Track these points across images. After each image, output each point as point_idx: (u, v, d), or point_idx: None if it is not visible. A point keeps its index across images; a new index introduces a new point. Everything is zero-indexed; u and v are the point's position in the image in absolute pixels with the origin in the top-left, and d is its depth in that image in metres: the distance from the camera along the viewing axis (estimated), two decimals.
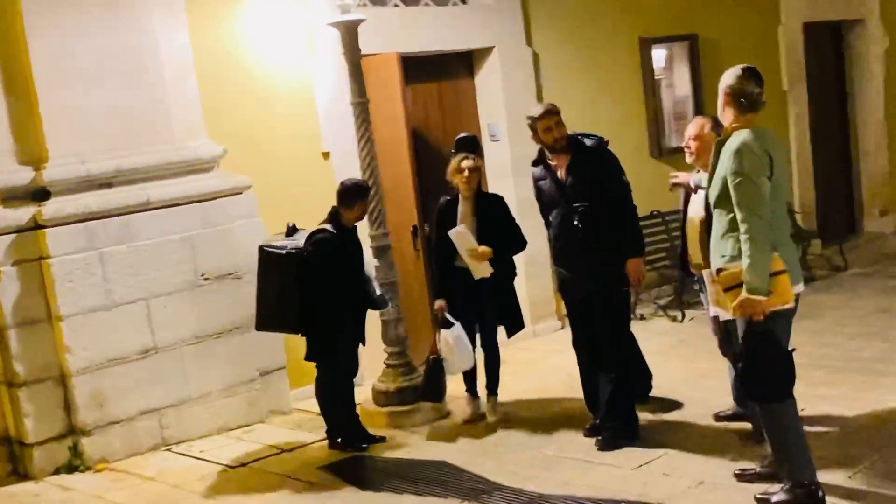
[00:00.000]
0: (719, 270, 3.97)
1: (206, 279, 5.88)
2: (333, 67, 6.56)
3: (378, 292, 5.55)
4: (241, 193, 6.11)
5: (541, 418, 5.67)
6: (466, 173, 5.63)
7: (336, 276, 5.26)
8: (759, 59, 9.93)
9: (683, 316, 7.79)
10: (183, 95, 5.93)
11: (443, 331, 5.58)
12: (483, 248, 5.58)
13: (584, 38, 8.18)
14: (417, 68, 7.12)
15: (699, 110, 8.92)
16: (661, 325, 7.77)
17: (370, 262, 5.69)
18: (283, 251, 5.29)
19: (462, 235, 5.57)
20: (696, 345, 6.77)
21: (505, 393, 5.92)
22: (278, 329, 5.51)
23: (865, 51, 10.79)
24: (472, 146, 6.07)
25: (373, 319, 5.99)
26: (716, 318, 4.51)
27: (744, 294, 3.84)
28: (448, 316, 5.58)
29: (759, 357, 3.93)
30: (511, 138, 7.64)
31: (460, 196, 5.71)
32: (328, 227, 5.34)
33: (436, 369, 5.61)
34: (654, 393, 5.75)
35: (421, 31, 7.12)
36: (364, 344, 5.58)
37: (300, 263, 5.26)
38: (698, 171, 5.13)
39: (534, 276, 7.63)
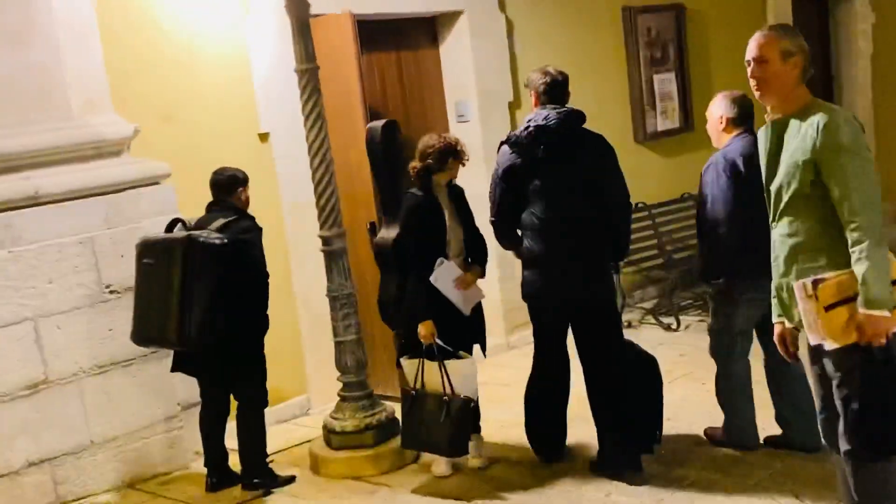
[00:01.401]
0: (816, 282, 2.93)
1: (111, 292, 4.66)
2: (274, 28, 5.37)
3: None
4: (156, 183, 4.90)
5: (533, 457, 4.63)
6: (465, 160, 4.54)
7: (264, 275, 4.47)
8: (747, 33, 9.05)
9: (678, 323, 6.79)
10: (83, 61, 4.71)
11: (451, 363, 4.35)
12: (471, 274, 4.51)
13: (562, 4, 7.10)
14: (372, 34, 5.97)
15: (684, 88, 7.94)
16: (653, 334, 6.76)
17: None
18: (222, 242, 4.21)
19: (449, 270, 4.41)
20: (701, 360, 5.68)
21: (484, 426, 4.84)
22: (196, 347, 4.28)
23: (853, 27, 9.94)
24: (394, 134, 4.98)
25: (316, 336, 4.86)
26: (817, 349, 3.12)
27: (864, 310, 2.84)
28: (440, 343, 4.38)
29: (886, 396, 2.94)
30: (483, 119, 6.55)
31: (436, 189, 4.51)
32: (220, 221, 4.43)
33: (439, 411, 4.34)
34: (666, 431, 4.71)
35: None
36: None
37: (227, 259, 4.25)
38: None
39: (507, 279, 6.55)
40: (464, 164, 4.56)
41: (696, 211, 4.45)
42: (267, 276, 4.49)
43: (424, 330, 4.35)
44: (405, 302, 4.50)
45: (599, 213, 4.29)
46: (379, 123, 5.08)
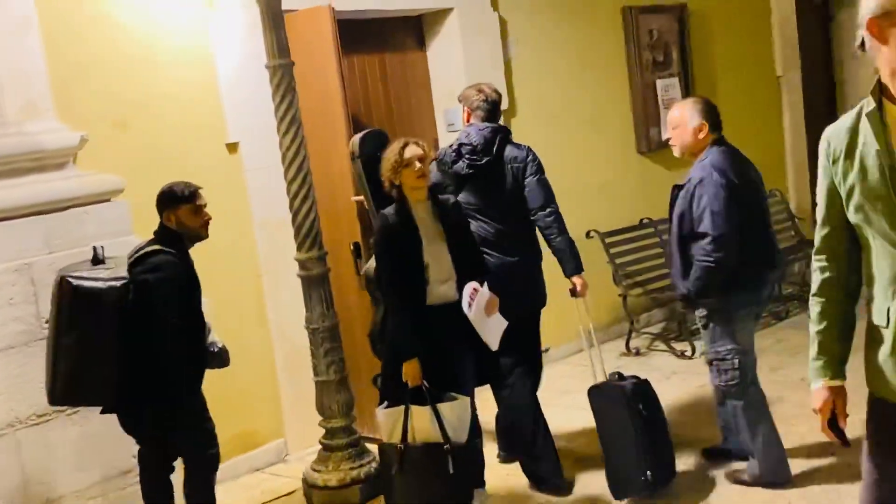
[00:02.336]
0: None
1: None
2: (242, 22, 4.75)
3: (219, 344, 3.74)
4: (107, 200, 4.25)
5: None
6: (417, 164, 3.84)
7: (180, 318, 3.50)
8: (751, 36, 8.61)
9: (693, 350, 6.19)
10: (19, 60, 4.04)
11: (444, 406, 3.73)
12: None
13: (559, 2, 6.51)
14: (353, 35, 5.37)
15: (688, 93, 7.38)
16: (664, 362, 6.17)
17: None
18: (103, 285, 3.43)
19: (483, 298, 3.87)
20: None
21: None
22: (86, 403, 3.65)
23: (855, 31, 9.45)
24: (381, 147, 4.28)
25: (294, 371, 4.21)
26: None
27: None
28: (426, 384, 3.73)
29: None
30: None
31: (410, 204, 3.92)
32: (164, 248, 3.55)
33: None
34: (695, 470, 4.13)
35: None
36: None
37: (126, 303, 3.43)
38: None
39: None
40: (421, 174, 3.85)
41: (678, 229, 3.91)
42: (177, 324, 3.48)
43: (410, 370, 3.73)
44: (387, 337, 3.87)
45: (530, 225, 4.30)
46: (358, 136, 4.42)
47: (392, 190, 3.87)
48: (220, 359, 3.67)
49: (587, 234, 6.49)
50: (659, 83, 7.18)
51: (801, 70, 8.70)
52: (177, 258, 3.52)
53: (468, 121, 4.36)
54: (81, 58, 4.35)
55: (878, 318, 2.19)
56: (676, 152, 4.05)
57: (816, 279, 2.36)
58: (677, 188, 3.96)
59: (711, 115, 3.95)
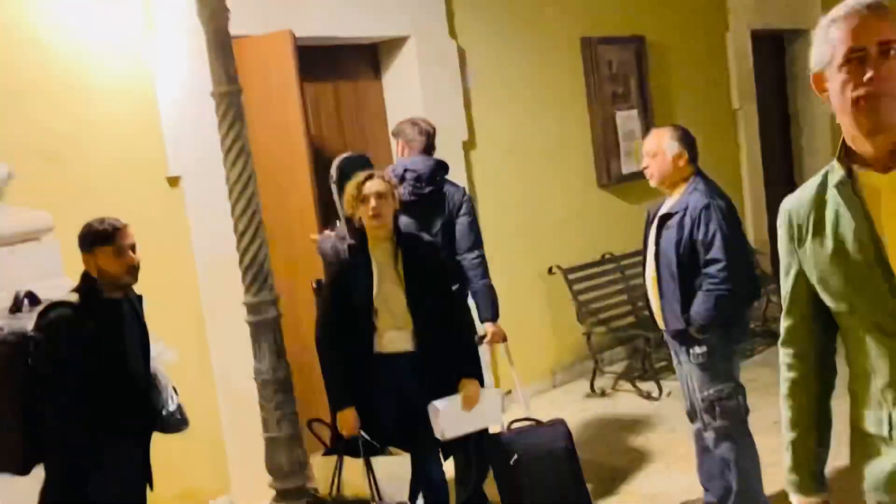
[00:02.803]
0: None
1: None
2: (185, 46, 4.41)
3: (173, 404, 3.33)
4: (36, 240, 3.86)
5: None
6: (373, 202, 3.57)
7: (75, 379, 2.99)
8: (707, 68, 8.49)
9: (661, 391, 5.93)
10: None
11: (379, 461, 3.48)
12: (467, 385, 3.71)
13: (519, 32, 6.29)
14: (305, 62, 5.06)
15: (647, 126, 7.20)
16: (631, 403, 5.90)
17: (159, 355, 3.41)
18: (15, 339, 3.02)
19: (450, 407, 3.66)
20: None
21: None
22: None
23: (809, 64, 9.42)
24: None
25: (240, 423, 3.85)
26: None
27: None
28: (365, 436, 3.50)
29: None
30: None
31: (369, 239, 3.66)
32: (73, 297, 3.11)
33: None
34: None
35: (307, 11, 5.03)
36: (151, 486, 3.30)
37: (27, 358, 3.01)
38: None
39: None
40: (376, 214, 3.57)
41: (677, 257, 3.66)
42: (56, 388, 2.99)
43: (343, 420, 3.54)
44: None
45: (457, 263, 4.23)
46: (338, 159, 4.19)
47: (355, 227, 3.61)
48: (166, 422, 3.27)
49: (549, 270, 6.25)
50: (618, 115, 6.99)
51: (756, 102, 8.63)
52: (79, 313, 3.02)
53: (402, 154, 4.41)
54: (8, 85, 3.98)
55: (874, 427, 1.85)
56: (654, 182, 3.83)
57: (785, 378, 2.02)
58: (665, 217, 3.71)
59: (690, 144, 3.76)
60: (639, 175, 7.01)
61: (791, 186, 9.36)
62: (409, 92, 5.66)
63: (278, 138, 4.44)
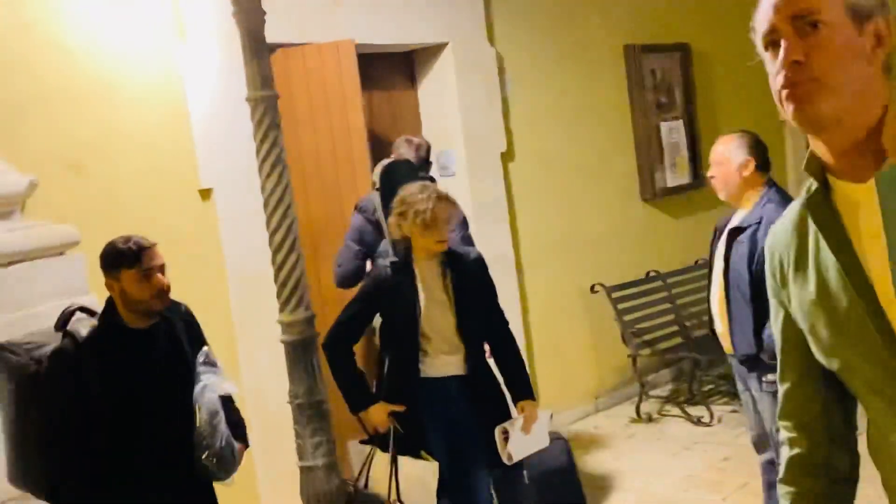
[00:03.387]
0: None
1: None
2: (217, 52, 4.22)
3: (220, 442, 2.80)
4: (60, 254, 3.66)
5: None
6: (442, 229, 3.37)
7: (72, 425, 2.67)
8: (753, 78, 8.17)
9: (712, 416, 5.62)
10: None
11: (407, 462, 3.34)
12: (527, 405, 3.53)
13: (559, 39, 6.06)
14: None
15: (693, 137, 6.95)
16: (679, 429, 5.60)
17: (211, 385, 2.84)
18: (14, 360, 2.73)
19: (515, 428, 3.50)
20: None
21: None
22: (27, 489, 2.85)
23: None
24: (403, 178, 3.83)
25: (275, 451, 3.61)
26: None
27: None
28: (398, 427, 3.36)
29: None
30: (471, 171, 5.44)
31: (415, 259, 3.44)
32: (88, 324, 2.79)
33: None
34: None
35: (339, 19, 4.83)
36: None
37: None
38: None
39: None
40: (442, 240, 3.39)
41: (749, 276, 3.38)
42: (59, 427, 2.70)
43: (371, 416, 3.45)
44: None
45: None
46: (381, 164, 4.03)
47: (399, 238, 3.38)
48: (207, 468, 2.81)
49: (592, 289, 5.97)
50: (663, 126, 6.73)
51: None
52: (85, 349, 2.69)
53: None
54: (30, 90, 3.79)
55: None
56: (720, 193, 3.57)
57: (783, 456, 1.56)
58: (736, 231, 3.45)
59: (760, 151, 3.48)
60: (684, 188, 6.81)
61: None
62: (445, 101, 5.45)
63: (329, 146, 4.33)
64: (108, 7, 4.02)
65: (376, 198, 4.04)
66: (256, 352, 4.28)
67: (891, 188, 1.26)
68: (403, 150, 4.43)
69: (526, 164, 5.79)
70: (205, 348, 2.94)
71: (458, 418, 3.47)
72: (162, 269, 2.85)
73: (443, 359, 3.43)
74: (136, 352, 2.79)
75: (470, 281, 3.46)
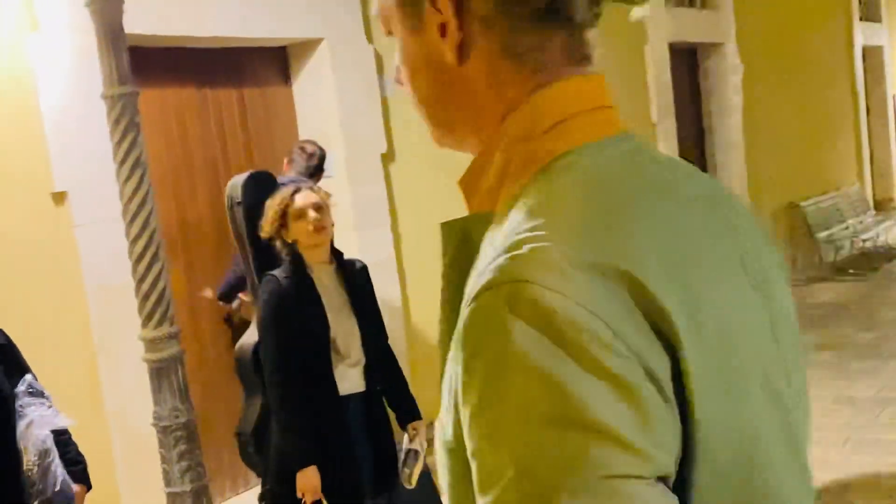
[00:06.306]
0: None
1: None
2: (72, 47, 3.89)
3: (53, 487, 2.50)
4: None
5: None
6: (312, 213, 3.12)
7: None
8: (626, 82, 8.31)
9: None
10: None
11: None
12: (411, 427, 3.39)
13: None
14: (206, 66, 4.63)
15: None
16: None
17: (39, 420, 2.51)
18: None
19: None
20: None
21: None
22: None
23: (724, 79, 9.38)
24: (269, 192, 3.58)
25: (141, 477, 3.34)
26: None
27: None
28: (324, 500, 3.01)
29: None
30: (351, 174, 5.24)
31: (307, 263, 3.20)
32: None
33: None
34: None
35: (208, 10, 4.56)
36: None
37: None
38: None
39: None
40: (321, 227, 3.15)
41: None
42: None
43: (305, 482, 3.00)
44: (273, 439, 3.11)
45: None
46: (241, 177, 3.70)
47: (283, 249, 3.14)
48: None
49: None
50: None
51: (675, 118, 8.50)
52: None
53: (284, 171, 4.44)
54: None
55: None
56: None
57: None
58: None
59: None
60: None
61: None
62: (323, 100, 5.24)
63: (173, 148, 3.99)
64: None
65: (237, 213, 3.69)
66: (120, 370, 3.97)
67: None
68: (294, 152, 4.47)
69: (408, 166, 5.64)
70: (27, 376, 2.59)
71: (358, 443, 3.22)
72: None
73: (351, 373, 3.20)
74: None
75: (363, 287, 3.28)
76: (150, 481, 3.48)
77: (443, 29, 0.88)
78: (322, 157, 4.55)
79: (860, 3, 12.40)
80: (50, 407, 2.55)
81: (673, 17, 8.38)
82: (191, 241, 4.28)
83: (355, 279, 3.26)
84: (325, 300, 3.15)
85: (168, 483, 3.25)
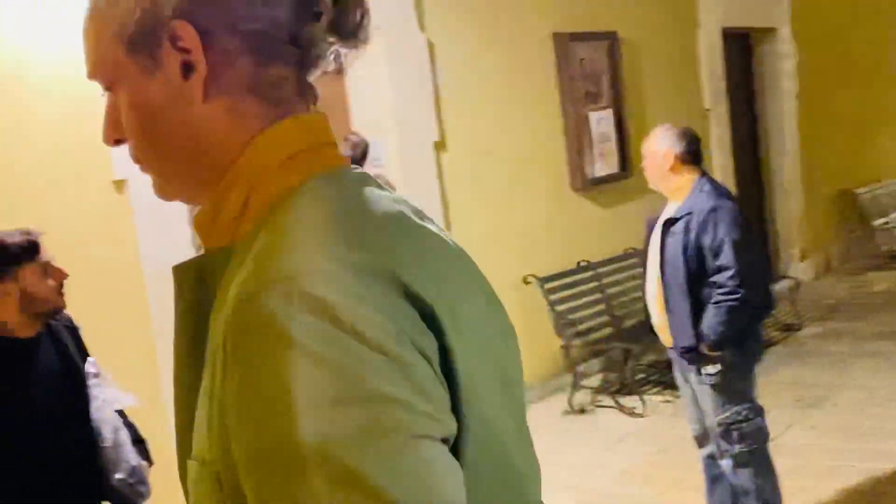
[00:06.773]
0: None
1: None
2: None
3: (131, 461, 2.56)
4: None
5: None
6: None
7: None
8: (679, 67, 8.22)
9: (644, 406, 5.59)
10: None
11: None
12: None
13: (491, 25, 5.93)
14: None
15: (621, 127, 6.90)
16: (612, 421, 5.55)
17: (110, 400, 2.58)
18: None
19: None
20: (686, 457, 4.47)
21: None
22: None
23: (777, 65, 9.23)
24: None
25: None
26: None
27: None
28: None
29: None
30: (403, 163, 5.28)
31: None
32: None
33: None
34: None
35: None
36: None
37: None
38: None
39: None
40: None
41: (685, 267, 3.33)
42: None
43: None
44: None
45: None
46: None
47: None
48: (120, 495, 2.57)
49: (525, 280, 5.88)
50: (592, 115, 6.66)
51: (727, 103, 8.39)
52: None
53: None
54: None
55: None
56: (651, 185, 3.56)
57: None
58: (669, 222, 3.39)
59: (685, 143, 3.44)
60: (613, 178, 6.76)
61: (759, 186, 9.20)
62: (376, 89, 5.26)
63: None
64: None
65: None
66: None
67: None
68: (343, 148, 4.39)
69: (457, 154, 5.66)
70: (91, 359, 2.64)
71: None
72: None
73: None
74: (26, 365, 2.46)
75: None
76: None
77: (185, 67, 0.87)
78: (365, 148, 4.56)
79: None
80: (113, 387, 2.61)
81: (726, 1, 8.26)
82: None
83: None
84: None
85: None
